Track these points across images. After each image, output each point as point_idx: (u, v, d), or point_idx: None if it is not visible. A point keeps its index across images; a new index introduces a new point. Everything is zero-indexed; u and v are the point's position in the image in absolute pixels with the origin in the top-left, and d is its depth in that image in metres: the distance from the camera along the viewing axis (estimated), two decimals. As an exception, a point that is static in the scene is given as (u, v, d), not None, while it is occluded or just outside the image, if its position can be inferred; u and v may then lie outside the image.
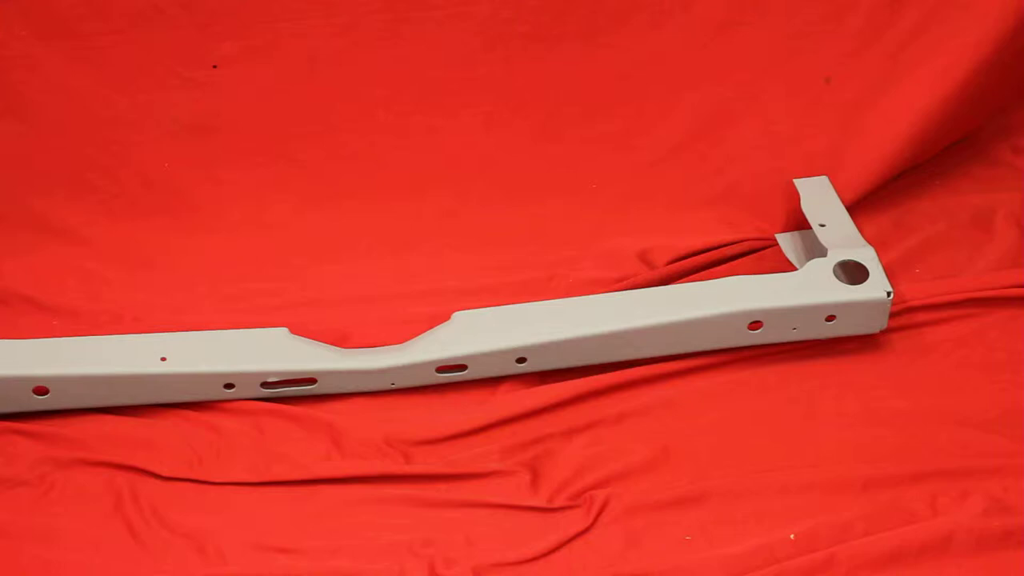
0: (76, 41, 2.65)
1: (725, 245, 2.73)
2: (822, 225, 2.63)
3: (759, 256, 2.73)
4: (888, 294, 2.46)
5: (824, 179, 2.74)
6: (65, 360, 2.39)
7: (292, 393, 2.44)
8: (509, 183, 2.81)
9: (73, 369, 2.38)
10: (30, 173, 2.73)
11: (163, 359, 2.40)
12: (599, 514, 2.23)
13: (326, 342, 2.49)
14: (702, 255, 2.71)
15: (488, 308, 2.50)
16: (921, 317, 2.58)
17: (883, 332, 2.52)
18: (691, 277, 2.67)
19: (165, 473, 2.32)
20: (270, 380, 2.42)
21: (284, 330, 2.46)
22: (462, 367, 2.45)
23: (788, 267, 2.66)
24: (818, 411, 2.41)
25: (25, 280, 2.66)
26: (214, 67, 2.69)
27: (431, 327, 2.49)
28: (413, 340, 2.48)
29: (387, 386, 2.46)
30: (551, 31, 2.72)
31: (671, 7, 2.72)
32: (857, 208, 2.73)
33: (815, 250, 2.60)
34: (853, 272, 2.51)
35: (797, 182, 2.73)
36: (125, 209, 2.76)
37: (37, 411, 2.40)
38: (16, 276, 2.67)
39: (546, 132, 2.81)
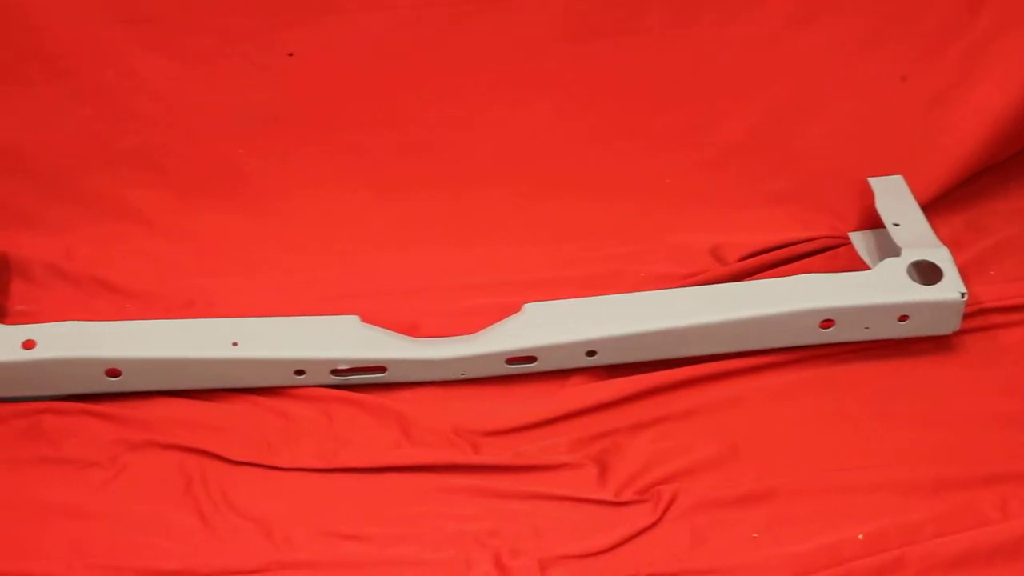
0: (152, 26, 2.66)
1: (798, 243, 2.72)
2: (896, 224, 2.61)
3: (832, 254, 2.71)
4: (962, 295, 2.44)
5: (899, 178, 2.73)
6: (137, 343, 2.41)
7: (362, 381, 2.45)
8: (581, 176, 2.80)
9: (145, 352, 2.40)
10: (105, 158, 2.74)
11: (234, 344, 2.42)
12: (666, 509, 2.23)
13: (396, 331, 2.49)
14: (774, 252, 2.70)
15: (559, 300, 2.50)
16: (995, 319, 2.56)
17: (956, 333, 2.50)
18: (763, 274, 2.66)
19: (234, 457, 2.33)
20: (340, 367, 2.43)
21: (355, 318, 2.47)
22: (532, 359, 2.45)
23: (861, 266, 2.65)
24: (889, 411, 2.40)
25: (99, 263, 2.68)
26: (290, 55, 2.70)
27: (501, 318, 2.49)
28: (483, 331, 2.48)
29: (457, 376, 2.46)
30: (622, 25, 2.71)
31: (747, 2, 2.71)
32: (931, 208, 2.71)
33: (888, 249, 2.58)
34: (927, 272, 2.50)
35: (871, 180, 2.72)
36: (199, 195, 2.77)
37: (109, 393, 2.42)
38: (91, 259, 2.69)
39: (618, 125, 2.80)
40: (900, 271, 2.48)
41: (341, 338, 2.45)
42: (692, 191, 2.79)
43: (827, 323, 2.45)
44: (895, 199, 2.68)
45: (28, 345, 2.38)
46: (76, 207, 2.74)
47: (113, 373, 2.40)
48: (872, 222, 2.71)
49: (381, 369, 2.44)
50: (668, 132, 2.79)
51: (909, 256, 2.51)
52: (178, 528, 2.23)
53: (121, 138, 2.73)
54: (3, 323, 2.46)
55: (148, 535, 2.22)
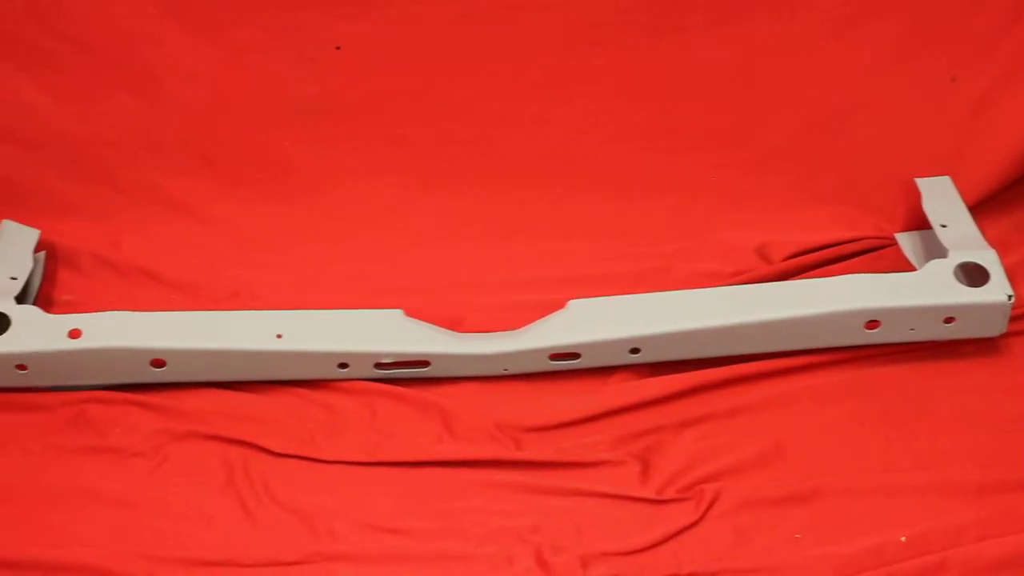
0: (202, 19, 2.67)
1: (844, 243, 2.71)
2: (943, 225, 2.60)
3: (878, 255, 2.70)
4: (1009, 297, 2.43)
5: (946, 179, 2.71)
6: (182, 334, 2.42)
7: (405, 375, 2.45)
8: (627, 173, 2.80)
9: (190, 343, 2.41)
10: (153, 149, 2.76)
11: (279, 336, 2.43)
12: (708, 508, 2.23)
13: (440, 326, 2.49)
14: (820, 252, 2.70)
15: (603, 297, 2.50)
16: (1042, 322, 2.55)
17: (1002, 336, 2.49)
18: (808, 273, 2.65)
19: (277, 449, 2.34)
20: (384, 361, 2.44)
21: (399, 312, 2.47)
22: (575, 355, 2.45)
23: (907, 267, 2.63)
24: (934, 414, 2.39)
25: (145, 253, 2.70)
26: (337, 48, 2.70)
27: (545, 314, 2.49)
28: (527, 327, 2.48)
29: (500, 371, 2.47)
30: (669, 22, 2.71)
31: (794, 1, 2.69)
32: (979, 209, 2.69)
33: (935, 251, 2.57)
34: (973, 274, 2.48)
35: (919, 181, 2.70)
36: (244, 187, 2.79)
37: (154, 383, 2.43)
38: (137, 250, 2.71)
39: (665, 122, 2.80)
40: (947, 272, 2.47)
41: (385, 332, 2.45)
42: (739, 189, 2.79)
43: (872, 324, 2.44)
44: (942, 200, 2.67)
45: (74, 334, 2.40)
46: (123, 197, 2.76)
47: (158, 363, 2.41)
48: (919, 223, 2.70)
49: (424, 363, 2.45)
50: (715, 130, 2.78)
51: (956, 258, 2.49)
52: (220, 519, 2.24)
53: (169, 129, 2.75)
54: (49, 312, 2.47)
55: (190, 525, 2.23)
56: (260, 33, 2.69)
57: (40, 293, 2.63)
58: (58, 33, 2.65)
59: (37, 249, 2.65)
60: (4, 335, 2.40)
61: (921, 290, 2.45)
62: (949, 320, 2.44)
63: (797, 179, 2.79)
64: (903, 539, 2.17)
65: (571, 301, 2.49)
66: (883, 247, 2.72)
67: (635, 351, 2.44)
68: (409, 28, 2.70)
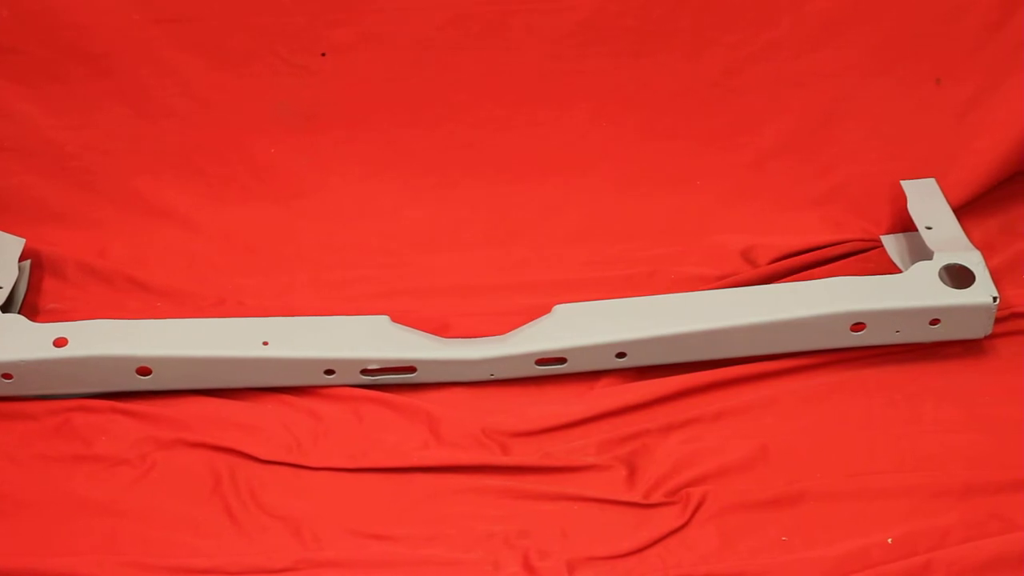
0: (187, 25, 2.68)
1: (829, 245, 2.71)
2: (928, 227, 2.60)
3: (863, 257, 2.70)
4: (994, 299, 2.43)
5: (932, 181, 2.72)
6: (168, 341, 2.42)
7: (391, 381, 2.46)
8: (613, 178, 2.81)
9: (176, 350, 2.41)
10: (140, 156, 2.77)
11: (265, 343, 2.43)
12: (695, 512, 2.23)
13: (426, 331, 2.49)
14: (806, 255, 2.70)
15: (589, 302, 2.50)
16: (1027, 323, 2.55)
17: (988, 337, 2.49)
18: (794, 276, 2.66)
19: (264, 456, 2.34)
20: (370, 367, 2.44)
21: (385, 318, 2.48)
22: (562, 360, 2.45)
23: (893, 269, 2.63)
24: (920, 415, 2.39)
25: (132, 261, 2.71)
26: (323, 55, 2.70)
27: (532, 319, 2.49)
28: (513, 332, 2.48)
29: (486, 377, 2.46)
30: (659, 26, 2.71)
31: (782, 4, 2.70)
32: (964, 211, 2.70)
33: (921, 253, 2.57)
34: (958, 276, 2.49)
35: (904, 184, 2.71)
36: (231, 194, 2.79)
37: (140, 391, 2.43)
38: (123, 257, 2.72)
39: (652, 128, 2.80)
40: (932, 274, 2.47)
41: (371, 338, 2.45)
42: (724, 193, 2.80)
43: (858, 326, 2.44)
44: (928, 202, 2.67)
45: (60, 343, 2.39)
46: (110, 205, 2.77)
47: (144, 371, 2.40)
48: (904, 225, 2.70)
49: (411, 369, 2.45)
50: (700, 134, 2.79)
51: (941, 259, 2.49)
52: (207, 526, 2.24)
53: (156, 137, 2.75)
54: (35, 321, 2.47)
55: (177, 533, 2.23)
56: (249, 41, 2.69)
57: (25, 302, 2.63)
58: (47, 43, 2.66)
59: (23, 258, 2.65)
60: (-11, 344, 2.41)
61: (906, 292, 2.45)
62: (934, 322, 2.44)
63: (784, 183, 2.80)
64: (889, 541, 2.17)
65: (557, 306, 2.49)
66: (869, 249, 2.72)
67: (621, 355, 2.44)
68: (398, 34, 2.71)
